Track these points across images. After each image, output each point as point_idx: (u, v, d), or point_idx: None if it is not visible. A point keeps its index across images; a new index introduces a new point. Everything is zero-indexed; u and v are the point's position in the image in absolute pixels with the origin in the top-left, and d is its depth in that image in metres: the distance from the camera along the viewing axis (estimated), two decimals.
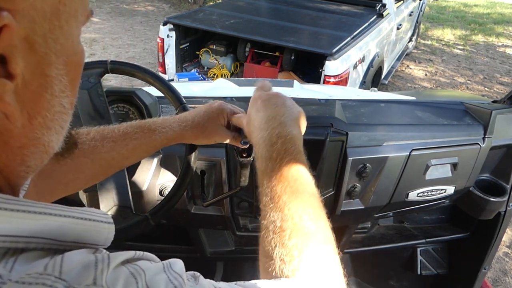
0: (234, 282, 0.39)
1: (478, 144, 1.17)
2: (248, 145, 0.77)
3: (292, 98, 0.64)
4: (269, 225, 0.47)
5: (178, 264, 0.35)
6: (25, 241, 0.28)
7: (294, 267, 0.43)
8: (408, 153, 1.11)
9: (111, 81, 4.16)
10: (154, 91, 1.01)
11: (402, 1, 4.50)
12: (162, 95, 0.88)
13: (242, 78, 3.20)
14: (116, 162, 0.70)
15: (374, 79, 3.61)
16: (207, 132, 0.72)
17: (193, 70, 3.71)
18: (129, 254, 0.32)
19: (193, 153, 0.81)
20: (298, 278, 0.42)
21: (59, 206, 0.31)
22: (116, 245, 0.37)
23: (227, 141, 0.75)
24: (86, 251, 0.30)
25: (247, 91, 1.55)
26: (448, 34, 7.08)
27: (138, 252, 0.33)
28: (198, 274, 0.38)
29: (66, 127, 0.34)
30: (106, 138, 0.68)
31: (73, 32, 0.32)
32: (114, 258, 0.30)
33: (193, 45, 3.78)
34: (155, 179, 1.04)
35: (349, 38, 3.15)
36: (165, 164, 1.04)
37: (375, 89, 2.20)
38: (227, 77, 3.63)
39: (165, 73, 3.53)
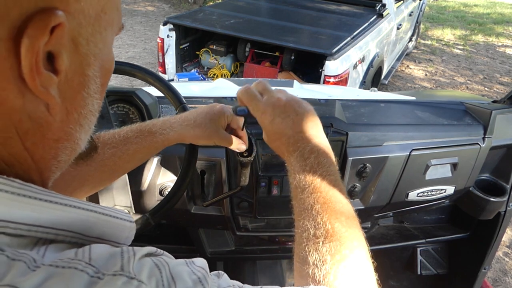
0: (260, 286, 0.40)
1: (478, 144, 1.17)
2: (245, 149, 0.77)
3: None
4: (303, 233, 0.49)
5: (200, 260, 0.37)
6: (55, 233, 0.30)
7: (326, 271, 0.44)
8: (408, 153, 1.11)
9: (111, 81, 4.15)
10: (154, 91, 1.01)
11: (402, 1, 4.49)
12: (162, 95, 0.88)
13: (242, 78, 3.20)
14: (118, 167, 0.71)
15: (374, 79, 3.62)
16: (208, 132, 0.72)
17: (193, 70, 3.71)
18: (152, 249, 0.34)
19: (193, 153, 0.81)
20: (328, 285, 0.43)
21: (85, 202, 0.33)
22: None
23: (226, 145, 0.75)
24: (110, 246, 0.32)
25: None
26: (448, 34, 7.08)
27: (158, 249, 0.35)
28: (223, 272, 0.39)
29: (92, 129, 0.37)
30: (107, 144, 0.68)
31: (109, 40, 0.35)
32: (138, 250, 0.31)
33: (193, 45, 3.78)
34: (155, 179, 1.04)
35: (349, 38, 3.15)
36: (165, 164, 1.04)
37: (375, 89, 2.20)
38: (227, 77, 3.63)
39: (165, 73, 3.53)
